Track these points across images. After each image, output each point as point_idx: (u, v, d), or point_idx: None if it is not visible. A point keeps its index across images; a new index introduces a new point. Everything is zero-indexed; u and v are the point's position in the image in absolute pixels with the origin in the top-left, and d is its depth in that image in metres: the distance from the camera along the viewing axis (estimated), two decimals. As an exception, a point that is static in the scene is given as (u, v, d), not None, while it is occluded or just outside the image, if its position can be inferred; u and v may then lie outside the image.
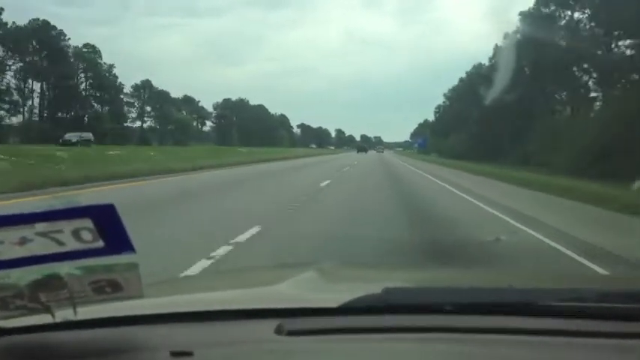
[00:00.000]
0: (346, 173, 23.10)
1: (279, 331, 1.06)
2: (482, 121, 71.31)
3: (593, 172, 25.02)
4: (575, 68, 49.55)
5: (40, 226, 0.84)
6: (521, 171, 28.27)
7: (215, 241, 5.97)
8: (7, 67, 70.45)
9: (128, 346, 1.01)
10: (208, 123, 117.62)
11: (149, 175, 17.01)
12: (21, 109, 73.82)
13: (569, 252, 6.42)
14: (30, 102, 75.13)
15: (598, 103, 47.99)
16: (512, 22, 52.87)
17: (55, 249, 0.85)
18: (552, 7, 48.75)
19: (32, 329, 1.01)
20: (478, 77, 62.22)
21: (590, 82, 48.50)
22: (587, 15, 45.84)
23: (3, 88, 70.25)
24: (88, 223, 0.84)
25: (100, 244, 0.85)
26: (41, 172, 13.98)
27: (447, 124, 77.64)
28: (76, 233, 0.85)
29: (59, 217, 0.83)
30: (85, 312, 0.92)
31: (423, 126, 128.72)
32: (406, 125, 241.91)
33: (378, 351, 1.05)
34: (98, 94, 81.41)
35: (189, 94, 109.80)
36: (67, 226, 0.84)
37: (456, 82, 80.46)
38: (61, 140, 46.26)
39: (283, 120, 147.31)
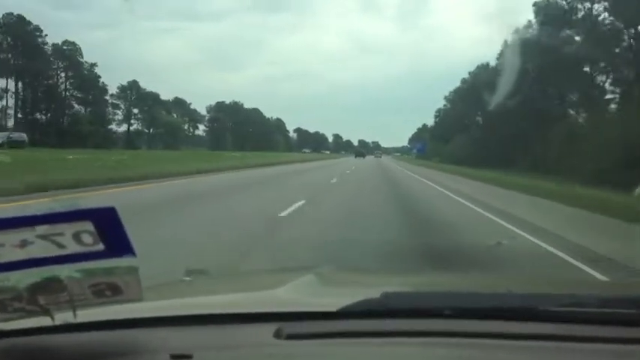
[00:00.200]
0: (335, 190, 16.99)
1: (278, 334, 1.07)
2: (486, 125, 67.17)
3: (615, 180, 20.95)
4: (588, 67, 44.66)
5: (41, 229, 0.84)
6: (538, 179, 26.01)
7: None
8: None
9: (128, 349, 1.02)
10: (201, 127, 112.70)
11: (85, 186, 13.58)
12: (-8, 110, 67.78)
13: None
14: (3, 102, 71.55)
15: (613, 105, 43.10)
16: (513, 26, 51.39)
17: (56, 252, 0.86)
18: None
19: (31, 332, 1.01)
20: (483, 78, 57.83)
21: (606, 82, 43.69)
22: (605, 7, 41.22)
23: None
24: (88, 226, 0.85)
25: (101, 247, 0.86)
26: None
27: (447, 129, 74.67)
28: (76, 236, 0.86)
29: (60, 219, 0.84)
30: (85, 315, 0.93)
31: (422, 131, 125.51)
32: (404, 130, 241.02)
33: (377, 355, 1.06)
34: (79, 95, 76.02)
35: (180, 97, 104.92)
36: (67, 229, 0.85)
37: (454, 87, 78.69)
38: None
39: (279, 124, 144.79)
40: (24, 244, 0.85)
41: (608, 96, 44.41)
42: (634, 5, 35.88)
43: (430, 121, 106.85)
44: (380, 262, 5.89)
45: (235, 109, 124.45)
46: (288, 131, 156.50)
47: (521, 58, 46.86)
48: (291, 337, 1.07)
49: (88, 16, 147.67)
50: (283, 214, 9.64)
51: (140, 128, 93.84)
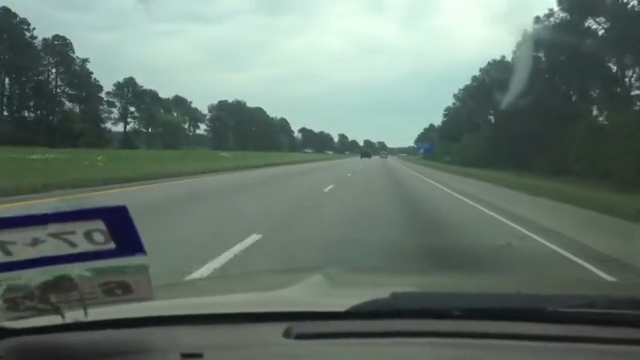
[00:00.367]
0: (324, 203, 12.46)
1: (287, 334, 1.08)
2: (498, 124, 62.79)
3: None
4: (612, 62, 40.59)
5: (53, 227, 0.86)
6: (560, 182, 24.15)
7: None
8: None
9: (138, 348, 1.03)
10: (203, 126, 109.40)
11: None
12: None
13: None
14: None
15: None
16: (522, 27, 48.30)
17: (67, 250, 0.87)
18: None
19: (42, 330, 1.03)
20: (495, 74, 55.39)
21: (632, 77, 39.70)
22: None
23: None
24: (100, 224, 0.86)
25: (112, 245, 0.88)
26: None
27: (456, 128, 72.14)
28: (87, 235, 0.87)
29: (71, 218, 0.86)
30: (96, 313, 0.95)
31: (429, 130, 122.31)
32: (410, 131, 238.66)
33: (385, 355, 1.07)
34: (71, 92, 72.60)
35: (181, 95, 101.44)
36: (79, 228, 0.86)
37: (463, 86, 76.64)
38: None
39: (283, 124, 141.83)
40: (36, 242, 0.86)
41: (635, 92, 40.33)
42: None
43: (437, 121, 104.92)
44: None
45: (238, 108, 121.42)
46: (292, 131, 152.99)
47: (538, 51, 42.89)
48: (300, 336, 1.08)
49: (92, 18, 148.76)
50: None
51: (137, 127, 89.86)
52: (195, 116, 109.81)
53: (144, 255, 0.90)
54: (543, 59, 46.59)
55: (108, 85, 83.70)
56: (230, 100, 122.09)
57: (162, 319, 1.14)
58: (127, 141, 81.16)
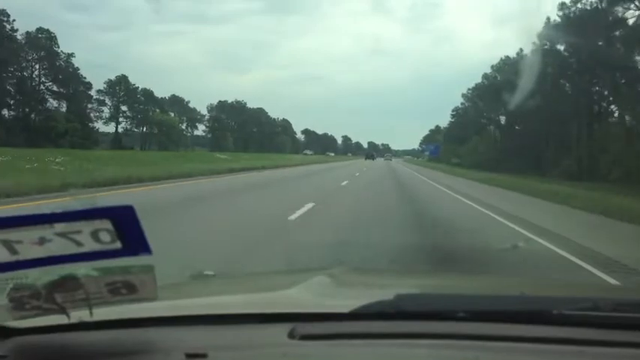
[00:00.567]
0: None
1: (292, 335, 1.09)
2: (510, 124, 57.52)
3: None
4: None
5: (59, 227, 0.86)
6: (601, 191, 20.09)
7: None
8: None
9: (143, 348, 1.05)
10: (202, 127, 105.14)
11: None
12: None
13: None
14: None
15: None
16: (528, 29, 47.18)
17: (74, 249, 0.88)
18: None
19: (48, 330, 1.04)
20: (508, 71, 52.16)
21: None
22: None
23: None
24: (107, 224, 0.87)
25: (118, 245, 0.88)
26: None
27: (464, 129, 69.82)
28: (94, 234, 0.87)
29: (78, 217, 0.86)
30: (101, 313, 0.96)
31: (435, 132, 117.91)
32: (415, 133, 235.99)
33: (389, 357, 1.08)
34: (55, 89, 68.23)
35: (177, 94, 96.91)
36: (85, 227, 0.87)
37: (469, 87, 73.45)
38: None
39: (286, 125, 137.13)
40: (42, 241, 0.86)
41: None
42: None
43: (442, 123, 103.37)
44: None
45: (238, 108, 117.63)
46: (295, 132, 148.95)
47: (559, 43, 37.94)
48: (305, 337, 1.09)
49: (94, 18, 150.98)
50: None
51: (129, 127, 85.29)
52: (193, 116, 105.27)
53: (150, 255, 0.90)
54: (565, 52, 41.62)
55: (103, 84, 79.38)
56: (230, 101, 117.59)
57: (167, 320, 1.14)
58: (118, 141, 76.48)
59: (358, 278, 2.14)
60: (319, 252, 6.34)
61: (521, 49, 50.95)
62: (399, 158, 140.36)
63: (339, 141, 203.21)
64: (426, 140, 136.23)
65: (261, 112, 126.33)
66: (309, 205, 11.06)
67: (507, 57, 57.69)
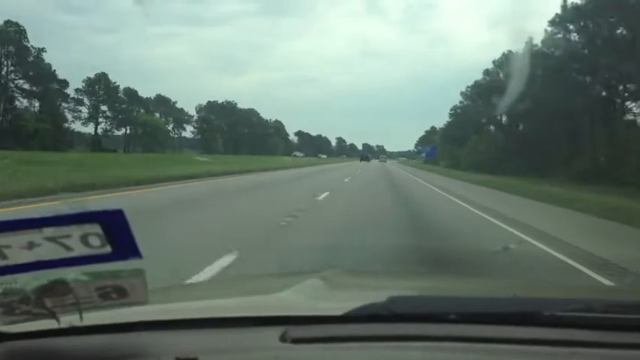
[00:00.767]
0: None
1: (283, 338, 1.10)
2: (512, 123, 53.33)
3: None
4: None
5: (49, 231, 0.86)
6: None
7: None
8: None
9: (134, 352, 1.05)
10: (189, 128, 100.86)
11: None
12: None
13: None
14: None
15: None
16: (521, 32, 45.04)
17: (63, 254, 0.88)
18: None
19: (38, 334, 1.04)
20: (510, 66, 46.38)
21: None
22: None
23: None
24: (96, 228, 0.87)
25: (108, 249, 0.88)
26: None
27: (463, 129, 65.52)
28: (84, 238, 0.88)
29: (68, 222, 0.87)
30: (91, 318, 0.96)
31: (431, 133, 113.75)
32: (409, 135, 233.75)
33: (382, 359, 1.09)
34: (26, 87, 63.98)
35: (163, 94, 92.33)
36: (75, 232, 0.87)
37: (460, 91, 71.48)
38: None
39: (278, 126, 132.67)
40: (31, 246, 0.86)
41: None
42: None
43: (438, 125, 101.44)
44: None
45: (229, 109, 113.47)
46: (288, 134, 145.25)
47: (569, 34, 34.07)
48: (297, 341, 1.09)
49: (91, 20, 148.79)
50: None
51: (109, 128, 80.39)
52: (180, 117, 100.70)
53: (140, 259, 0.89)
54: (577, 39, 37.37)
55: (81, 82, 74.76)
56: (220, 101, 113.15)
57: (158, 324, 1.14)
58: (98, 143, 71.86)
59: (351, 280, 2.12)
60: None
61: (530, 38, 46.63)
62: (393, 160, 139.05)
63: (333, 143, 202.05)
64: (422, 141, 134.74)
65: (252, 112, 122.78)
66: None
67: (510, 52, 53.66)
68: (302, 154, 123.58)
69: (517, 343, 1.11)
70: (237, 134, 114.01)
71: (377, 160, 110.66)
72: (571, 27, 37.54)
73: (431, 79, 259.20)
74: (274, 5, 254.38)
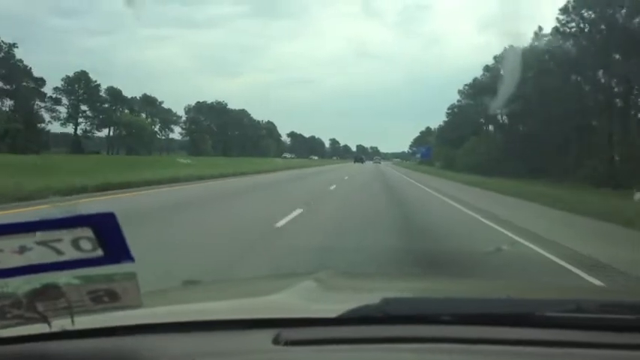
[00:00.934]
0: None
1: (277, 341, 1.10)
2: (513, 122, 54.06)
3: None
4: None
5: (40, 235, 0.86)
6: None
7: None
8: None
9: (126, 356, 1.05)
10: (178, 130, 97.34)
11: None
12: None
13: None
14: None
15: None
16: (513, 33, 44.46)
17: (54, 258, 0.88)
18: None
19: (29, 339, 1.04)
20: (511, 62, 42.19)
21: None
22: None
23: None
24: (87, 232, 0.87)
25: (100, 253, 0.88)
26: None
27: (460, 129, 63.52)
28: (75, 242, 0.87)
29: (59, 225, 0.86)
30: (83, 322, 0.96)
31: (426, 134, 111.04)
32: (404, 136, 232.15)
33: None
34: (4, 86, 59.24)
35: (150, 94, 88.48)
36: (66, 235, 0.87)
37: (455, 93, 70.15)
38: None
39: (271, 128, 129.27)
40: (22, 250, 0.86)
41: None
42: None
43: (432, 126, 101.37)
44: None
45: (218, 109, 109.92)
46: (280, 135, 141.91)
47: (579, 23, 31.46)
48: (290, 343, 1.09)
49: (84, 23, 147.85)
50: None
51: (89, 129, 76.53)
52: (168, 118, 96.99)
53: (132, 262, 0.89)
54: (584, 28, 34.34)
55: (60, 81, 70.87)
56: (210, 101, 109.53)
57: (151, 327, 1.14)
58: (77, 145, 68.10)
59: (345, 282, 2.11)
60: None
61: (539, 27, 43.29)
62: (387, 161, 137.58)
63: (327, 144, 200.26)
64: (417, 142, 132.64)
65: (243, 113, 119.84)
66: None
67: (511, 47, 50.49)
68: (291, 156, 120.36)
69: (510, 344, 1.11)
70: (228, 136, 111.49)
71: (371, 162, 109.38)
72: (586, 14, 34.43)
73: (425, 80, 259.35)
74: (267, 7, 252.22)
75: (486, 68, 57.57)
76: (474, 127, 60.10)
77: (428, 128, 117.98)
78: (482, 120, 59.23)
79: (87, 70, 75.37)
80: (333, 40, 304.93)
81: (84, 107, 77.11)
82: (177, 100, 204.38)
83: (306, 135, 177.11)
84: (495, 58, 55.20)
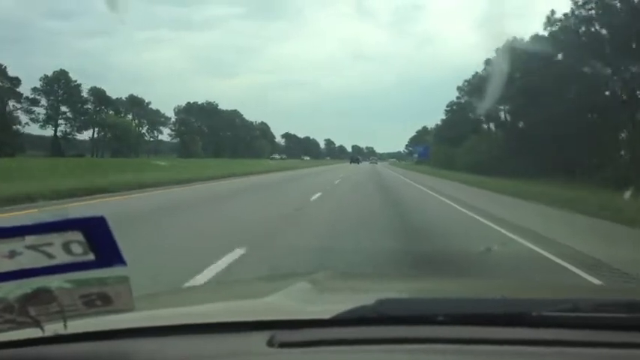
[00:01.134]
0: None
1: (271, 343, 1.10)
2: (517, 119, 49.30)
3: None
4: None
5: (30, 239, 0.86)
6: None
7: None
8: None
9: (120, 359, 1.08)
10: (167, 131, 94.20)
11: None
12: None
13: None
14: None
15: None
16: (507, 33, 44.07)
17: (45, 262, 0.88)
18: None
19: (22, 343, 1.04)
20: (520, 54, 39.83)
21: None
22: None
23: None
24: (78, 235, 0.87)
25: (91, 256, 0.88)
26: None
27: (459, 127, 60.86)
28: (66, 246, 0.87)
29: (49, 229, 0.86)
30: (76, 326, 0.96)
31: (423, 133, 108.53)
32: (399, 136, 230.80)
33: None
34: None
35: (137, 95, 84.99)
36: (57, 239, 0.87)
37: (451, 93, 64.38)
38: None
39: (264, 128, 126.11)
40: (13, 254, 0.85)
41: None
42: None
43: (429, 125, 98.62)
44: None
45: (209, 110, 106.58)
46: (274, 136, 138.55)
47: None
48: (285, 345, 1.09)
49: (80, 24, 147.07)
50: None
51: (69, 131, 72.95)
52: (156, 119, 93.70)
53: (124, 266, 0.89)
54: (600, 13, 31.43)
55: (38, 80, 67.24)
56: (200, 102, 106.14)
57: (144, 330, 1.14)
58: (57, 147, 64.53)
59: (339, 284, 2.10)
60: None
61: (552, 11, 39.82)
62: (384, 162, 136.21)
63: (322, 145, 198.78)
64: (414, 141, 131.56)
65: (235, 114, 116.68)
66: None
67: (515, 38, 47.19)
68: (281, 157, 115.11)
69: (505, 344, 1.12)
70: (220, 137, 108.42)
71: (367, 162, 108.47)
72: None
73: (420, 80, 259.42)
74: (263, 8, 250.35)
75: (487, 62, 51.85)
76: (473, 124, 58.05)
77: (424, 127, 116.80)
78: (482, 117, 56.44)
79: (76, 71, 72.57)
80: (328, 41, 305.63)
81: (64, 108, 74.28)
82: (170, 101, 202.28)
83: (301, 136, 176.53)
84: (497, 50, 52.11)
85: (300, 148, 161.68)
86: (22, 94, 64.10)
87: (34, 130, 67.53)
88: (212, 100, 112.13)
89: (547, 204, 15.74)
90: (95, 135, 76.88)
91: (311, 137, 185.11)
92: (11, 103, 60.51)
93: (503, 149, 45.31)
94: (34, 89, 67.68)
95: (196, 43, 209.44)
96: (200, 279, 5.40)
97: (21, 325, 0.90)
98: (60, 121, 73.63)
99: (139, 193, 17.15)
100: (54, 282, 0.88)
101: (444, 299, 1.53)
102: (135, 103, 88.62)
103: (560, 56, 35.76)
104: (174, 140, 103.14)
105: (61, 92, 72.75)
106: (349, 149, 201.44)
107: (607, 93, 32.53)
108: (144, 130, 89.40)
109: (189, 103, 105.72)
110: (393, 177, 37.26)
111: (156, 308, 1.42)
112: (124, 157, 58.43)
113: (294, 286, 1.68)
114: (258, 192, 20.50)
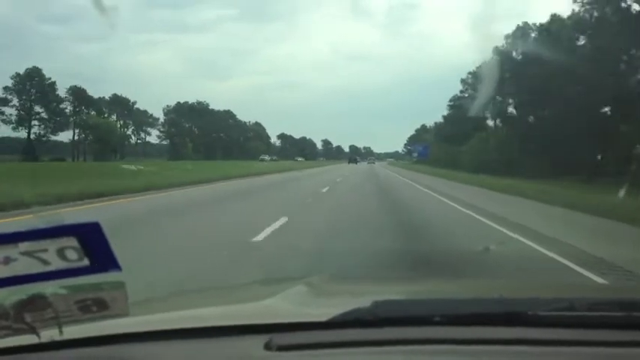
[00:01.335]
0: None
1: (268, 346, 1.11)
2: (527, 114, 46.05)
3: None
4: None
5: (24, 246, 0.87)
6: None
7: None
8: None
9: None
10: (156, 133, 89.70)
11: None
12: None
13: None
14: None
15: None
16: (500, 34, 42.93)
17: (40, 268, 0.88)
18: None
19: (17, 350, 1.05)
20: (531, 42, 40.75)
21: None
22: None
23: None
24: (73, 241, 0.88)
25: (86, 262, 0.89)
26: None
27: (461, 124, 57.37)
28: (60, 252, 0.88)
29: (44, 236, 0.87)
30: (71, 331, 0.97)
31: (422, 131, 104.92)
32: (397, 136, 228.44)
33: None
34: None
35: (120, 94, 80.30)
36: (51, 245, 0.88)
37: (449, 92, 61.80)
38: None
39: (258, 129, 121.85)
40: (7, 260, 0.86)
41: None
42: None
43: (427, 124, 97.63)
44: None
45: (200, 110, 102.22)
46: (269, 137, 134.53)
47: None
48: (282, 348, 1.10)
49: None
50: None
51: (43, 132, 68.37)
52: (144, 120, 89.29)
53: (119, 271, 0.90)
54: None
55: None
56: (190, 102, 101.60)
57: (140, 335, 1.14)
58: (30, 150, 59.95)
59: (336, 287, 2.12)
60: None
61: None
62: (382, 162, 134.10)
63: (319, 145, 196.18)
64: (412, 140, 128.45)
65: (228, 115, 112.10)
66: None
67: (526, 23, 42.82)
68: (270, 158, 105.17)
69: (502, 344, 1.13)
70: (212, 138, 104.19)
71: (365, 162, 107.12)
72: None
73: (416, 79, 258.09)
74: (257, 10, 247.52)
75: (496, 51, 45.97)
76: (477, 121, 54.59)
77: (423, 126, 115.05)
78: (487, 114, 52.55)
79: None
80: (324, 41, 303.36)
81: (38, 108, 70.04)
82: (163, 104, 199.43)
83: (297, 136, 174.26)
84: (507, 36, 47.97)
85: (296, 149, 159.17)
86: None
87: (6, 131, 64.13)
88: (202, 100, 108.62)
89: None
90: (76, 137, 73.08)
91: (308, 138, 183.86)
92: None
93: (515, 147, 42.23)
94: (6, 88, 64.04)
95: (191, 46, 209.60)
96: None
97: (17, 332, 0.90)
98: (34, 122, 69.67)
99: (117, 200, 13.96)
100: (49, 288, 0.88)
101: (439, 300, 1.53)
102: (119, 103, 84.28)
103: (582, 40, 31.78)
104: (165, 142, 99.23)
105: (33, 91, 68.61)
106: (347, 149, 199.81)
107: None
108: (129, 132, 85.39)
109: (178, 103, 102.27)
110: (393, 178, 34.46)
111: (152, 313, 1.42)
112: (105, 161, 54.69)
113: (290, 290, 1.68)
114: (238, 201, 15.59)
